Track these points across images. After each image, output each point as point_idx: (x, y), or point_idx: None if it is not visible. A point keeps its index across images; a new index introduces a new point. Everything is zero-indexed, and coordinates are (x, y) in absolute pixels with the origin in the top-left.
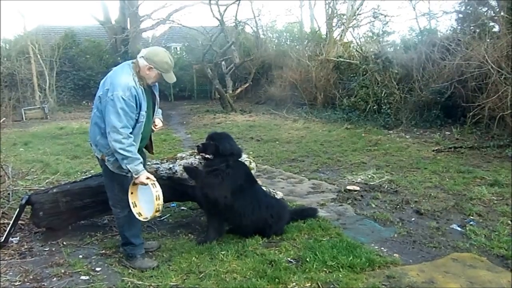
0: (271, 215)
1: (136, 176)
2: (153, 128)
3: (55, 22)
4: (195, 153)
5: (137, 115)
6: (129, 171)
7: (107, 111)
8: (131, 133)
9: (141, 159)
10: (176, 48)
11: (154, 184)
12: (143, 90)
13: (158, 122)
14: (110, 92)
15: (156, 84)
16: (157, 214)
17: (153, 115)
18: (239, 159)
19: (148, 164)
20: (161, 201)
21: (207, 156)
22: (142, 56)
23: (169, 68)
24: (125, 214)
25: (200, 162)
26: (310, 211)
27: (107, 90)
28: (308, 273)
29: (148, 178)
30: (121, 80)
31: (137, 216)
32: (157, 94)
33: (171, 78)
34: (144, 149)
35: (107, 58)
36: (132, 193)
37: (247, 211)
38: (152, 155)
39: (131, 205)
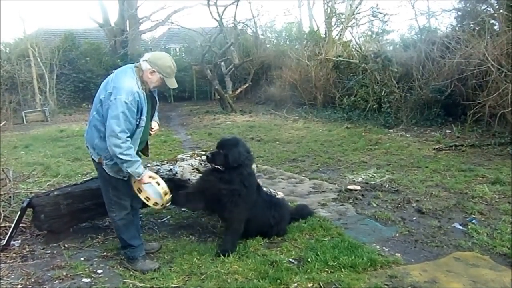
0: (273, 216)
1: (138, 178)
2: (150, 131)
3: (55, 25)
4: (196, 155)
5: (138, 120)
6: (130, 174)
7: (108, 115)
8: (130, 137)
9: (140, 161)
10: (176, 49)
11: (158, 182)
12: (145, 94)
13: (155, 125)
14: (113, 96)
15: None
16: (167, 205)
17: (151, 119)
18: (251, 168)
19: (148, 166)
20: (169, 195)
21: (217, 166)
22: (146, 60)
23: (171, 73)
24: (121, 217)
25: (200, 164)
26: (305, 210)
27: (109, 94)
28: (310, 274)
29: (150, 177)
30: (125, 84)
31: (144, 201)
32: (156, 98)
33: (173, 83)
34: (140, 152)
35: (106, 60)
36: (139, 189)
37: (254, 216)
38: (152, 157)
39: (144, 201)
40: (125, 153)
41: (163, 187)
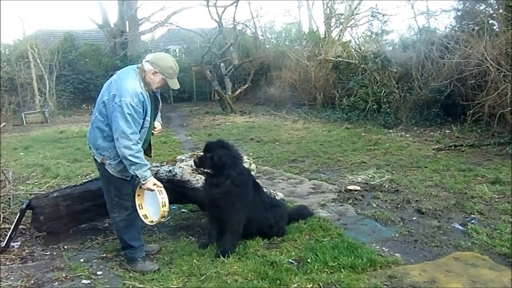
0: (274, 216)
1: (143, 182)
2: (152, 131)
3: (54, 26)
4: (195, 156)
5: (142, 121)
6: (137, 176)
7: (114, 117)
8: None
9: (149, 165)
10: (175, 50)
11: (160, 190)
12: (148, 95)
13: (157, 125)
14: (117, 97)
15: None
16: (163, 220)
17: (154, 120)
18: (241, 168)
19: None
20: (167, 207)
21: (206, 170)
22: (148, 61)
23: (173, 74)
24: (122, 217)
25: None
26: (305, 210)
27: (113, 96)
28: (310, 274)
29: (154, 184)
30: (129, 86)
31: (142, 218)
32: (159, 98)
33: (175, 84)
34: None
35: (106, 62)
36: (139, 195)
37: (254, 217)
38: (152, 158)
39: (137, 207)
40: (136, 155)
41: (164, 197)
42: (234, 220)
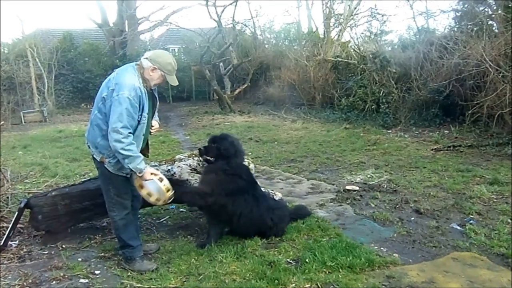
0: (271, 217)
1: (140, 175)
2: (150, 130)
3: (53, 25)
4: (194, 155)
5: (139, 116)
6: (132, 170)
7: (112, 111)
8: (131, 133)
9: (142, 157)
10: (174, 49)
11: (160, 178)
12: (146, 91)
13: (155, 123)
14: (115, 92)
15: (156, 87)
16: (169, 201)
17: (152, 118)
18: (242, 161)
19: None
20: (171, 192)
21: (208, 158)
22: (146, 58)
23: (172, 70)
24: (121, 216)
25: (199, 164)
26: (303, 210)
27: (112, 91)
28: (308, 274)
29: (152, 173)
30: (127, 81)
31: (146, 197)
32: (157, 97)
33: (174, 80)
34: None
35: (105, 61)
36: (140, 185)
37: (248, 213)
38: (150, 157)
39: (146, 197)
40: (127, 148)
41: (165, 183)
42: (215, 191)
